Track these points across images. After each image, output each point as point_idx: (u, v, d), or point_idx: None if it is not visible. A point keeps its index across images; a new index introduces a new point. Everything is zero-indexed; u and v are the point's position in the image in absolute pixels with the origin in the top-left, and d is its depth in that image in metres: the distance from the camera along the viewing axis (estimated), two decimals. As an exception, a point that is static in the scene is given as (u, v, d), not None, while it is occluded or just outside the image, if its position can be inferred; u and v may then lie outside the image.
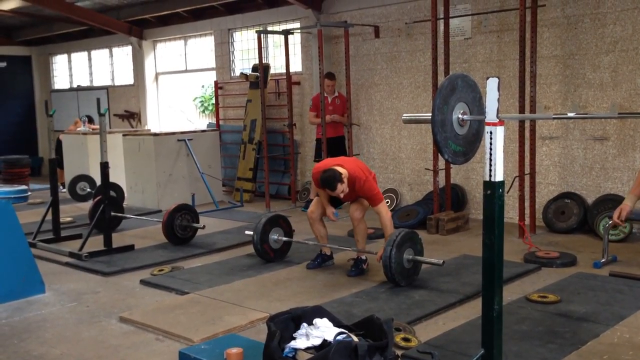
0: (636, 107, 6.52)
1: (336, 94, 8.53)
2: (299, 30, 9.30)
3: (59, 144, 10.63)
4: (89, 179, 9.74)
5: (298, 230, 7.16)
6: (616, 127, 6.73)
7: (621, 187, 6.72)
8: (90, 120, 11.26)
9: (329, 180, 5.14)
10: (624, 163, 6.70)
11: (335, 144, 8.45)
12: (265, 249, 5.85)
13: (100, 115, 6.40)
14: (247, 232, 6.18)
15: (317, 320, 3.39)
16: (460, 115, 3.08)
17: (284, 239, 5.93)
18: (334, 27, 8.83)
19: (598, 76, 6.77)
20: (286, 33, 8.85)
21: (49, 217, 6.99)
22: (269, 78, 9.63)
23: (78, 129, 10.99)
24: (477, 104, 3.16)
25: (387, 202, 8.55)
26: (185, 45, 11.90)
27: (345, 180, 5.18)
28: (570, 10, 6.90)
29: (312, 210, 5.64)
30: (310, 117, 8.66)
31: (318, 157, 8.42)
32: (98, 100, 6.57)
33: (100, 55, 13.72)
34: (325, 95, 8.27)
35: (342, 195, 5.27)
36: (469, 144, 3.19)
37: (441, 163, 7.24)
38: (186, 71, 12.01)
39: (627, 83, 6.59)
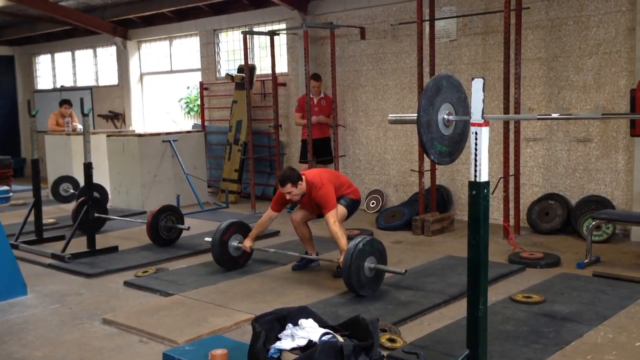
0: (619, 109, 6.58)
1: (322, 95, 8.53)
2: (285, 31, 9.29)
3: None
4: (72, 180, 9.65)
5: (283, 231, 7.16)
6: (599, 129, 6.79)
7: (604, 189, 6.78)
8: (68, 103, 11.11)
9: (284, 175, 5.31)
10: (607, 165, 6.76)
11: (321, 145, 8.45)
12: (229, 261, 5.66)
13: (84, 115, 6.34)
14: (206, 239, 5.95)
15: (302, 321, 3.38)
16: (445, 116, 3.09)
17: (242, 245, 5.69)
18: (319, 28, 8.83)
19: (581, 78, 6.83)
20: (272, 34, 8.83)
21: (32, 218, 6.92)
22: (255, 79, 9.60)
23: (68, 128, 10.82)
24: (462, 105, 3.17)
25: (373, 203, 8.59)
26: (170, 45, 11.84)
27: (300, 186, 5.27)
28: (554, 13, 6.96)
29: (295, 214, 5.67)
30: (296, 118, 8.66)
31: (303, 159, 8.41)
32: (82, 100, 6.52)
33: (84, 55, 13.61)
34: (311, 96, 8.27)
35: (288, 197, 5.34)
36: (455, 144, 3.20)
37: (427, 164, 7.26)
38: (171, 72, 11.95)
39: (610, 85, 6.66)
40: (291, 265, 5.74)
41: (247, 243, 5.62)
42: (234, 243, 5.66)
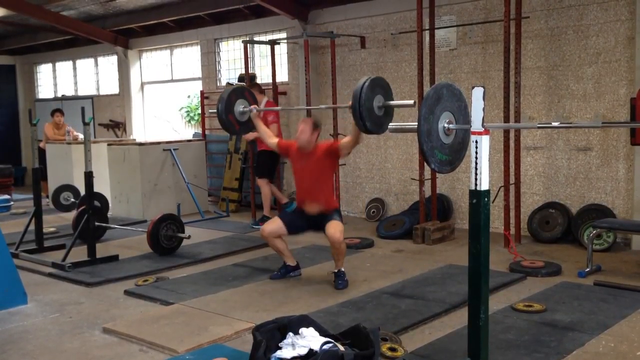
0: (619, 118, 6.59)
1: (264, 103, 8.17)
2: (286, 41, 9.32)
3: (42, 153, 10.49)
4: (73, 189, 9.65)
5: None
6: (599, 138, 6.80)
7: (605, 197, 6.78)
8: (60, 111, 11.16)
9: (315, 118, 5.51)
10: (607, 173, 6.76)
11: (261, 157, 7.99)
12: (231, 119, 5.63)
13: (85, 124, 6.36)
14: (210, 110, 6.03)
15: (303, 330, 3.37)
16: (446, 125, 3.10)
17: (248, 109, 5.71)
18: (320, 38, 8.86)
19: (581, 87, 6.84)
20: (272, 43, 8.87)
21: (32, 227, 6.91)
22: (255, 88, 9.62)
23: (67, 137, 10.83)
24: (462, 113, 3.19)
25: (373, 211, 8.59)
26: (171, 54, 11.88)
27: (314, 136, 5.35)
28: (553, 22, 6.98)
29: (264, 228, 5.51)
30: None
31: (259, 173, 8.23)
32: (83, 109, 6.53)
33: (85, 64, 13.66)
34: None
35: (298, 133, 5.36)
36: (455, 152, 3.21)
37: (427, 173, 7.26)
38: (172, 81, 11.98)
39: (610, 94, 6.67)
40: (292, 274, 5.72)
41: (255, 110, 5.66)
42: (239, 108, 5.66)
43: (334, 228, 5.22)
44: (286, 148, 5.62)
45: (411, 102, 4.76)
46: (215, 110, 5.68)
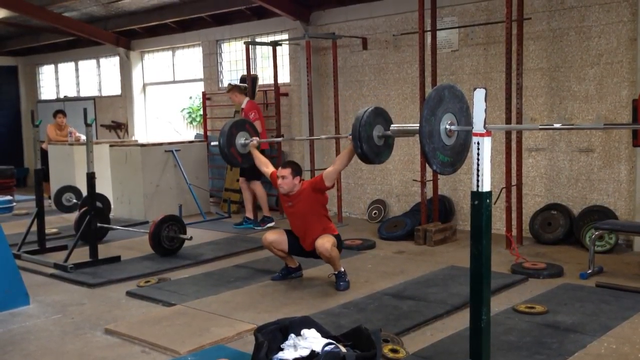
0: (621, 119, 6.59)
1: (243, 105, 8.19)
2: (287, 42, 9.33)
3: (44, 154, 10.52)
4: (75, 190, 9.66)
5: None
6: (601, 139, 6.79)
7: (606, 199, 6.78)
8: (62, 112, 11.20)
9: (291, 162, 5.44)
10: (609, 175, 6.76)
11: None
12: (233, 153, 5.69)
13: (87, 125, 6.37)
14: (212, 143, 6.12)
15: (305, 331, 3.38)
16: (447, 126, 3.11)
17: (249, 142, 5.77)
18: (322, 39, 8.86)
19: (583, 88, 6.84)
20: (274, 44, 8.88)
21: (34, 228, 6.91)
22: (257, 89, 9.63)
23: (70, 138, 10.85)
24: (464, 115, 3.19)
25: (375, 213, 8.58)
26: (173, 56, 11.89)
27: (295, 181, 5.28)
28: (555, 24, 6.98)
29: (266, 237, 5.49)
30: None
31: (241, 175, 8.29)
32: (85, 110, 6.55)
33: (87, 65, 13.67)
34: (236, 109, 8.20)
35: (279, 181, 5.28)
36: (457, 154, 3.21)
37: (429, 174, 7.26)
38: (174, 82, 11.99)
39: (612, 95, 6.67)
40: (294, 275, 5.72)
41: (255, 141, 5.75)
42: (241, 140, 5.72)
43: (323, 239, 5.23)
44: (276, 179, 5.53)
45: (416, 126, 4.72)
46: (217, 144, 5.74)
